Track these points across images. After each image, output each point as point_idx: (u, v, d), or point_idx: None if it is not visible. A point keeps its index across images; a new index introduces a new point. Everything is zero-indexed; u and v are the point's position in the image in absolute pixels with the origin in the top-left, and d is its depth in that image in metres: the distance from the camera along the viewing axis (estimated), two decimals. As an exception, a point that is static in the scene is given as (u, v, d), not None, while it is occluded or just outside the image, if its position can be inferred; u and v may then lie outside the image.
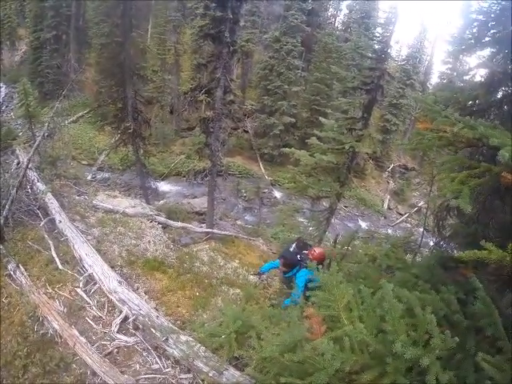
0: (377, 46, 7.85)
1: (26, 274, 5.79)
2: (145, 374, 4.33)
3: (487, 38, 3.41)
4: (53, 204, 8.11)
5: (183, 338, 4.53)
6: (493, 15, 3.31)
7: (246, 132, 27.24)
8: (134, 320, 5.01)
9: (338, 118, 7.13)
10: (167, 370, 4.41)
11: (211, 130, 10.94)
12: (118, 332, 4.90)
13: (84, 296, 5.53)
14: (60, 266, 6.15)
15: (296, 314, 3.10)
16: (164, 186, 20.23)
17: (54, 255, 6.39)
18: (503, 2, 3.27)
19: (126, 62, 11.83)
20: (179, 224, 10.41)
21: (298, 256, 5.61)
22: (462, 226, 3.68)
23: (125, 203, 10.09)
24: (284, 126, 23.98)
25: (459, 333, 2.20)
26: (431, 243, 4.59)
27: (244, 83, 29.58)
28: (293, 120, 24.06)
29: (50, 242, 6.76)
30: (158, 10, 25.69)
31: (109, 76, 12.94)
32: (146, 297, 5.79)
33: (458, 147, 2.90)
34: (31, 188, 8.87)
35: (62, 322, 4.87)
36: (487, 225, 3.32)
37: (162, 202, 16.65)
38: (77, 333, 4.73)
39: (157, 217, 9.92)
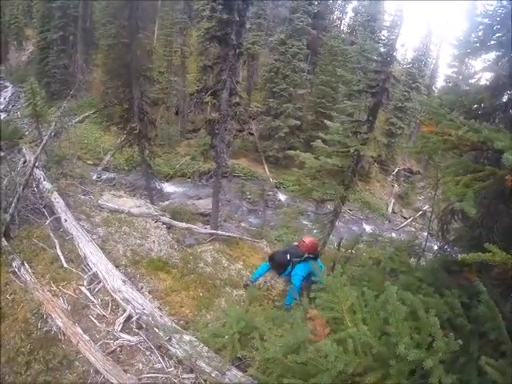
0: (382, 49, 7.85)
1: (30, 271, 5.84)
2: (147, 373, 4.34)
3: (492, 42, 3.41)
4: (59, 203, 8.18)
5: (186, 337, 4.54)
6: (498, 18, 3.31)
7: (251, 134, 27.26)
8: (138, 319, 5.03)
9: (344, 120, 7.13)
10: (170, 369, 4.42)
11: (217, 131, 10.96)
12: (121, 331, 4.93)
13: (88, 294, 5.56)
14: (65, 264, 6.19)
15: (299, 315, 3.11)
16: (169, 187, 20.28)
17: (59, 253, 6.44)
18: (508, 6, 3.27)
19: (132, 63, 11.90)
20: (184, 225, 10.43)
21: (288, 255, 5.44)
22: (466, 230, 3.68)
23: (130, 203, 10.13)
24: (289, 129, 23.98)
25: (463, 336, 2.20)
26: (435, 247, 4.59)
27: (250, 85, 29.63)
28: (298, 123, 24.04)
29: (56, 241, 6.82)
30: (164, 11, 25.80)
31: (115, 77, 13.02)
32: (150, 296, 5.81)
33: (463, 150, 2.91)
34: (37, 186, 8.95)
35: (65, 319, 4.90)
36: (491, 228, 3.31)
37: (166, 202, 16.70)
38: (80, 331, 4.76)
39: (161, 217, 9.95)
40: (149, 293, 5.94)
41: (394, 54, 7.77)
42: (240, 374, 3.97)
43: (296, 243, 5.70)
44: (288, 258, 5.42)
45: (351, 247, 6.68)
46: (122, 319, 5.07)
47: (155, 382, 4.26)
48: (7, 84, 28.95)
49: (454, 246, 3.98)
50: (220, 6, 10.06)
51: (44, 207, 8.13)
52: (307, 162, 6.57)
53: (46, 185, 8.98)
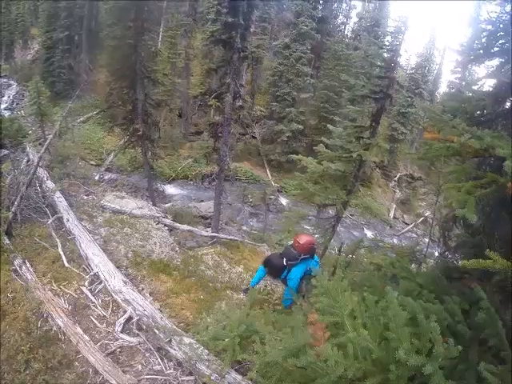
0: (386, 55, 7.86)
1: (31, 270, 5.85)
2: (147, 375, 4.34)
3: (496, 49, 3.42)
4: (61, 202, 8.22)
5: (186, 340, 4.54)
6: (501, 25, 3.32)
7: (254, 138, 27.31)
8: (138, 320, 5.03)
9: (347, 125, 7.12)
10: (169, 371, 4.42)
11: (220, 134, 11.00)
12: (121, 332, 4.93)
13: (89, 295, 5.58)
14: (66, 264, 6.21)
15: (300, 319, 3.12)
16: (171, 189, 20.27)
17: (61, 253, 6.47)
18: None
19: (137, 65, 11.95)
20: (185, 227, 10.44)
21: (284, 259, 5.27)
22: (467, 237, 3.68)
23: (132, 204, 10.15)
24: (292, 133, 24.00)
25: (462, 343, 2.20)
26: (436, 253, 4.59)
27: (253, 89, 29.70)
28: (301, 127, 24.06)
29: (57, 240, 6.84)
30: (169, 13, 25.94)
31: (120, 78, 13.03)
32: (151, 298, 5.81)
33: (465, 157, 2.91)
34: (40, 186, 9.00)
35: (66, 319, 4.91)
36: (493, 235, 3.32)
37: (168, 204, 16.72)
38: (80, 331, 4.77)
39: (163, 219, 9.97)
40: (149, 294, 5.94)
41: (398, 59, 7.79)
42: (239, 377, 3.97)
43: (291, 243, 5.50)
44: (284, 262, 5.28)
45: (352, 252, 6.69)
46: (122, 320, 5.07)
47: (154, 383, 4.26)
48: (12, 82, 29.12)
49: (455, 252, 3.98)
50: (225, 10, 10.13)
51: (46, 206, 8.17)
52: (310, 167, 6.57)
53: (49, 184, 9.03)
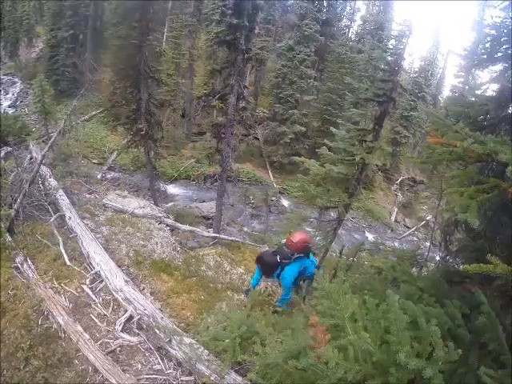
0: (390, 58, 7.85)
1: (33, 267, 5.88)
2: (146, 374, 4.35)
3: (499, 54, 3.43)
4: (63, 200, 8.24)
5: (187, 340, 4.55)
6: (505, 30, 3.33)
7: (257, 139, 27.34)
8: (139, 320, 5.04)
9: (349, 128, 7.12)
10: (169, 371, 4.42)
11: (223, 135, 11.02)
12: (121, 331, 4.93)
13: (90, 293, 5.59)
14: (68, 262, 6.23)
15: (301, 321, 3.12)
16: (173, 189, 20.32)
17: (63, 251, 6.48)
18: None
19: (141, 65, 11.98)
20: (187, 227, 10.45)
21: (278, 257, 5.24)
22: (469, 241, 3.68)
23: (134, 204, 10.18)
24: (294, 135, 24.01)
25: (462, 347, 2.21)
26: (438, 257, 4.58)
27: (256, 90, 29.76)
28: (303, 129, 24.08)
29: (59, 238, 6.86)
30: (174, 14, 26.01)
31: (124, 77, 13.06)
32: (152, 297, 5.82)
33: (468, 162, 2.92)
34: (43, 183, 9.04)
35: (66, 317, 4.92)
36: (494, 240, 3.32)
37: (170, 204, 16.75)
38: (81, 329, 4.78)
39: (165, 219, 9.98)
40: (150, 294, 5.95)
41: (402, 63, 7.79)
42: (239, 378, 3.97)
43: (284, 242, 5.47)
44: (277, 259, 5.24)
45: (353, 255, 6.70)
46: (122, 319, 5.08)
47: (154, 383, 4.27)
48: (16, 80, 29.24)
49: (457, 256, 3.98)
50: (230, 11, 10.15)
51: (49, 204, 8.20)
52: (312, 169, 6.57)
53: (52, 182, 9.06)
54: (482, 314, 2.37)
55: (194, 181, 21.94)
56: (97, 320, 5.11)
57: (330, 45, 29.16)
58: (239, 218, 19.03)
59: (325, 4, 29.60)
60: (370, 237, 21.05)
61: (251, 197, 20.50)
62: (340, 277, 2.94)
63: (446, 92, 37.11)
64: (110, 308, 5.39)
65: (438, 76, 37.03)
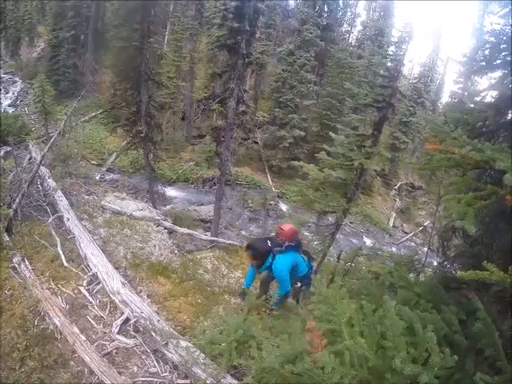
0: (390, 64, 7.90)
1: (30, 268, 5.85)
2: (142, 377, 4.33)
3: (498, 61, 3.45)
4: (62, 201, 8.23)
5: (183, 343, 4.53)
6: (505, 38, 3.35)
7: (256, 143, 27.36)
8: (135, 322, 5.02)
9: (349, 134, 7.14)
10: (165, 374, 4.41)
11: (222, 139, 11.06)
12: (118, 333, 4.91)
13: (87, 295, 5.57)
14: (65, 263, 6.20)
15: (298, 326, 3.12)
16: (171, 192, 20.27)
17: (60, 252, 6.46)
18: None
19: (142, 67, 12.03)
20: (185, 230, 10.45)
21: (269, 242, 5.14)
22: (466, 247, 3.69)
23: (132, 206, 10.17)
24: (294, 139, 24.05)
25: (459, 353, 2.21)
26: (435, 263, 4.59)
27: (256, 94, 29.84)
28: (303, 133, 24.13)
29: (57, 239, 6.84)
30: (175, 16, 26.11)
31: (124, 79, 13.11)
32: (149, 300, 5.80)
33: (466, 168, 2.93)
34: (42, 184, 9.02)
35: (63, 318, 4.90)
36: (491, 247, 3.33)
37: (168, 207, 16.73)
38: (77, 330, 4.75)
39: (163, 222, 9.97)
40: (147, 297, 5.93)
41: (402, 69, 7.83)
42: (235, 382, 3.96)
43: (274, 233, 5.39)
44: (269, 244, 5.12)
45: (351, 260, 6.71)
46: (119, 321, 5.06)
47: (149, 385, 4.25)
48: (16, 79, 29.23)
49: (454, 262, 3.99)
50: (231, 15, 10.22)
51: (47, 205, 8.18)
52: (311, 174, 6.59)
53: (51, 182, 9.05)
54: (478, 320, 2.38)
55: (192, 184, 21.91)
56: (93, 322, 5.09)
57: (331, 50, 29.30)
58: (237, 222, 19.01)
59: (325, 9, 29.80)
60: (368, 242, 21.05)
61: (249, 200, 20.51)
62: (337, 282, 2.95)
63: (445, 98, 37.39)
64: (107, 310, 5.37)
65: (438, 82, 37.25)
